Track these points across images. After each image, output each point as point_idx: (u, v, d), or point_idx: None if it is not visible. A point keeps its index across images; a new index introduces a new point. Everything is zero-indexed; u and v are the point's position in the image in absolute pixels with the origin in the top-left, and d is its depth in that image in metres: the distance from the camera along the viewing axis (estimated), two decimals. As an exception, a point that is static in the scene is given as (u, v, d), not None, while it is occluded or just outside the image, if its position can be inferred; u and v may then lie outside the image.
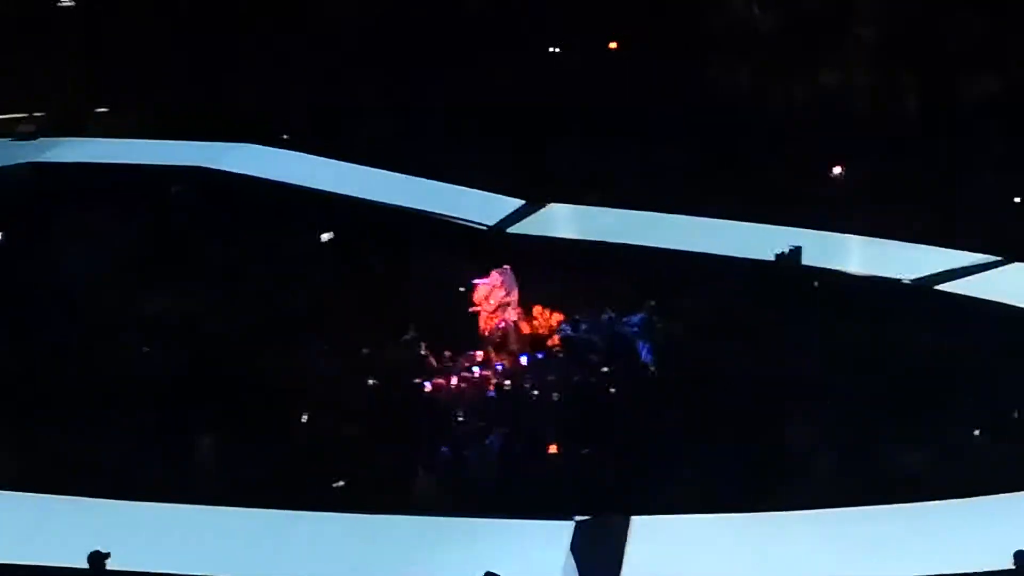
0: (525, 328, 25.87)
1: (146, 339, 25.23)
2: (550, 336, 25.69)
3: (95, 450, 20.70)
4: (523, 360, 24.69)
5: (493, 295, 25.79)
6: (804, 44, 39.49)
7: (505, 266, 26.19)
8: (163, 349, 24.77)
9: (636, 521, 16.45)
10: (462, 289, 26.50)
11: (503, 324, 25.67)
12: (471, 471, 20.29)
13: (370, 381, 23.11)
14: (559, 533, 16.15)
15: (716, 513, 18.13)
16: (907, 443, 20.34)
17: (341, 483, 19.74)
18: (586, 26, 41.82)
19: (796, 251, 27.63)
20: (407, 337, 25.23)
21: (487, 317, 25.73)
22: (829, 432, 20.85)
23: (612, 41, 43.12)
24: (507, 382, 23.51)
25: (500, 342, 25.34)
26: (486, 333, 25.58)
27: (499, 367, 24.36)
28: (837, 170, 36.64)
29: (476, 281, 26.03)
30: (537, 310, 26.09)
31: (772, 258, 27.53)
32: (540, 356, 25.03)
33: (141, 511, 17.77)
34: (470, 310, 25.86)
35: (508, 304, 25.79)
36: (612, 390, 22.93)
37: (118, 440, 20.94)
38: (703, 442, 20.64)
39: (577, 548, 15.81)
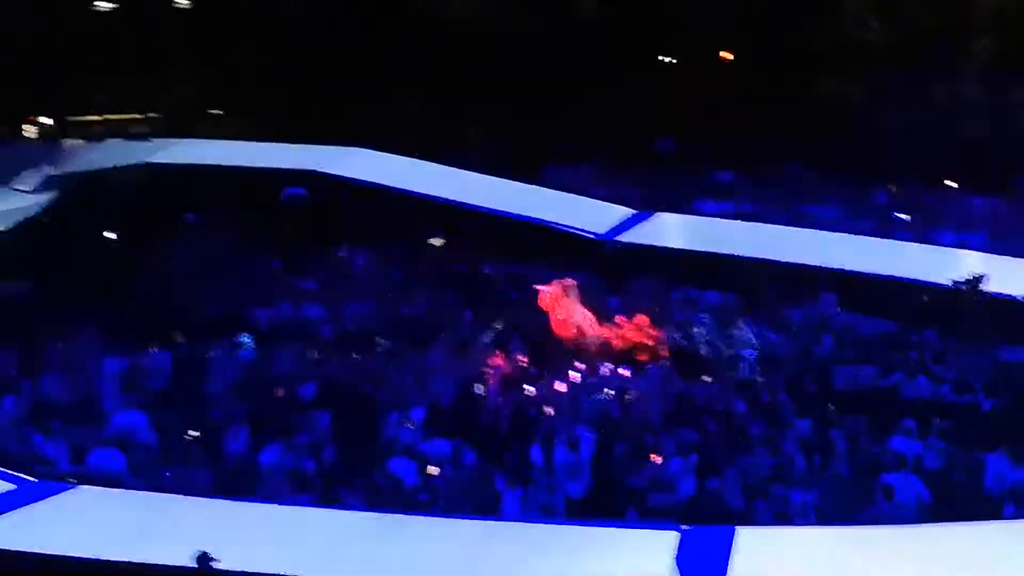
0: (628, 336, 25.86)
1: (257, 342, 25.45)
2: (655, 346, 25.67)
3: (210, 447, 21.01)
4: (627, 369, 24.68)
5: (561, 304, 25.84)
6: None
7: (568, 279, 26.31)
8: (273, 352, 25.01)
9: (741, 531, 16.35)
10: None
11: (580, 330, 25.71)
12: (574, 479, 20.27)
13: (475, 387, 23.13)
14: (664, 542, 16.08)
15: (823, 526, 18.06)
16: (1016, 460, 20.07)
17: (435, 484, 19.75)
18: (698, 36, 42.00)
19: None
20: (509, 343, 25.34)
21: (558, 323, 25.85)
22: (937, 448, 20.63)
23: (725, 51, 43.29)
24: (613, 391, 23.46)
25: (591, 350, 25.35)
26: (566, 340, 25.69)
27: (605, 374, 24.34)
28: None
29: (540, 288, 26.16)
30: (642, 319, 26.07)
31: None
32: (645, 365, 25.04)
33: (249, 510, 17.98)
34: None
35: (574, 311, 25.86)
36: (715, 400, 22.85)
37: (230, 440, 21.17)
38: (809, 453, 20.53)
39: (682, 557, 15.75)
